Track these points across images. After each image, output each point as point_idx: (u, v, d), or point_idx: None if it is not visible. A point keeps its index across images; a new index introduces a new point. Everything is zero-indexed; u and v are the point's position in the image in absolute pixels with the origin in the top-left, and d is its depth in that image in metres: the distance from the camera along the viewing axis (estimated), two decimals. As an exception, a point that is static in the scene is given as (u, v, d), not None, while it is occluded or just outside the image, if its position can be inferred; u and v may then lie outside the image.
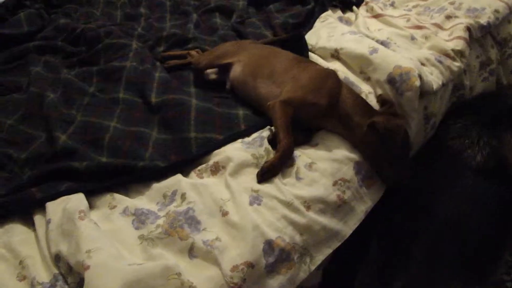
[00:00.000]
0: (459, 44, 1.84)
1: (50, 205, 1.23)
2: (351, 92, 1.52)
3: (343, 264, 1.37)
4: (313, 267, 1.22)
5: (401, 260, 1.36)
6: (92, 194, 1.29)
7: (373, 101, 1.59)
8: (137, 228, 1.20)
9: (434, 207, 1.51)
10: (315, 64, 1.67)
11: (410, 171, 1.44)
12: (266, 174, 1.31)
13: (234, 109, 1.58)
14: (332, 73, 1.57)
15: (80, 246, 1.08)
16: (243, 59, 1.68)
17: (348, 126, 1.44)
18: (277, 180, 1.29)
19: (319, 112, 1.45)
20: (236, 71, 1.67)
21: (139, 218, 1.22)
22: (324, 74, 1.55)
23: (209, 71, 1.80)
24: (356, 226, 1.34)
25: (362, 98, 1.52)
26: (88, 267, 1.03)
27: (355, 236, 1.35)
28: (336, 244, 1.28)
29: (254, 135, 1.47)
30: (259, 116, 1.55)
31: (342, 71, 1.69)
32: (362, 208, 1.37)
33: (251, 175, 1.32)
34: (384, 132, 1.37)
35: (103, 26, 2.12)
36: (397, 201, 1.53)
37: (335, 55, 1.78)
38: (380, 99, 1.57)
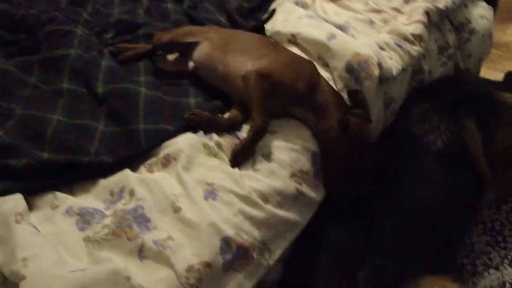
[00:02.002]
0: (418, 28, 1.81)
1: (-17, 209, 1.11)
2: (329, 85, 1.48)
3: (303, 255, 1.33)
4: (271, 262, 1.17)
5: (366, 251, 1.33)
6: (32, 194, 1.18)
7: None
8: (81, 229, 1.11)
9: (399, 194, 1.50)
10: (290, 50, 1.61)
11: (356, 185, 1.42)
12: (238, 157, 1.26)
13: (185, 98, 1.49)
14: (311, 63, 1.52)
15: (16, 253, 0.97)
16: (211, 37, 1.60)
17: (320, 117, 1.39)
18: (233, 172, 1.23)
19: (294, 96, 1.39)
20: (203, 48, 1.58)
21: (84, 218, 1.12)
22: (304, 60, 1.51)
23: (168, 58, 1.69)
24: (310, 216, 1.32)
25: (339, 93, 1.49)
26: (23, 278, 0.93)
27: (312, 225, 1.33)
28: (292, 236, 1.25)
29: (207, 123, 1.40)
30: (212, 101, 1.49)
31: (300, 57, 1.63)
32: (317, 199, 1.35)
33: (204, 166, 1.24)
34: (354, 133, 1.34)
35: (46, 11, 1.97)
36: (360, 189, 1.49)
37: (292, 40, 1.72)
38: (350, 94, 1.49)
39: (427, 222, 1.45)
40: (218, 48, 1.54)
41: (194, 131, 1.36)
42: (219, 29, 1.71)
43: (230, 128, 1.39)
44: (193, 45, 1.62)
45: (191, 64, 1.61)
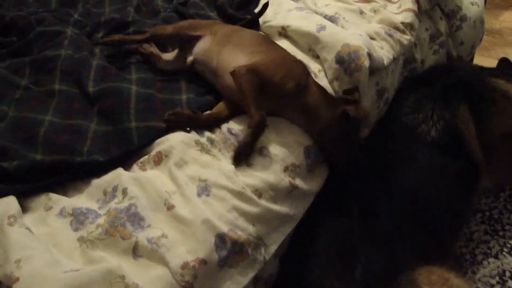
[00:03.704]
0: (408, 17, 1.80)
1: (-24, 212, 1.11)
2: (318, 85, 1.48)
3: (299, 250, 1.33)
4: (268, 257, 1.17)
5: (362, 242, 1.32)
6: (25, 195, 1.18)
7: (323, 81, 1.55)
8: (75, 230, 1.11)
9: (393, 184, 1.49)
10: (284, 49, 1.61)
11: (359, 154, 1.44)
12: (241, 156, 1.27)
13: (177, 94, 1.49)
14: (302, 63, 1.53)
15: (9, 255, 0.98)
16: (215, 32, 1.60)
17: (311, 117, 1.40)
18: (225, 167, 1.23)
19: (283, 96, 1.38)
20: (205, 42, 1.58)
21: (78, 218, 1.13)
22: (295, 60, 1.51)
23: (166, 57, 1.68)
24: (305, 209, 1.33)
25: (325, 90, 1.49)
26: (17, 279, 0.93)
27: (307, 219, 1.34)
28: (288, 230, 1.25)
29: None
30: (204, 97, 1.49)
31: (290, 50, 1.62)
32: (311, 192, 1.35)
33: (196, 163, 1.24)
34: (355, 120, 1.36)
35: (35, 13, 1.96)
36: (354, 181, 1.49)
37: (282, 33, 1.71)
38: (347, 93, 1.50)
39: (422, 212, 1.45)
40: (218, 43, 1.54)
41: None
42: (223, 25, 1.71)
43: (212, 124, 1.37)
44: (196, 39, 1.62)
45: (189, 59, 1.60)
